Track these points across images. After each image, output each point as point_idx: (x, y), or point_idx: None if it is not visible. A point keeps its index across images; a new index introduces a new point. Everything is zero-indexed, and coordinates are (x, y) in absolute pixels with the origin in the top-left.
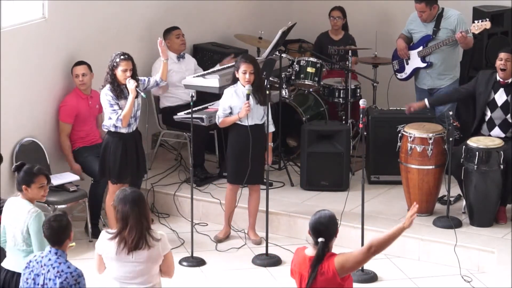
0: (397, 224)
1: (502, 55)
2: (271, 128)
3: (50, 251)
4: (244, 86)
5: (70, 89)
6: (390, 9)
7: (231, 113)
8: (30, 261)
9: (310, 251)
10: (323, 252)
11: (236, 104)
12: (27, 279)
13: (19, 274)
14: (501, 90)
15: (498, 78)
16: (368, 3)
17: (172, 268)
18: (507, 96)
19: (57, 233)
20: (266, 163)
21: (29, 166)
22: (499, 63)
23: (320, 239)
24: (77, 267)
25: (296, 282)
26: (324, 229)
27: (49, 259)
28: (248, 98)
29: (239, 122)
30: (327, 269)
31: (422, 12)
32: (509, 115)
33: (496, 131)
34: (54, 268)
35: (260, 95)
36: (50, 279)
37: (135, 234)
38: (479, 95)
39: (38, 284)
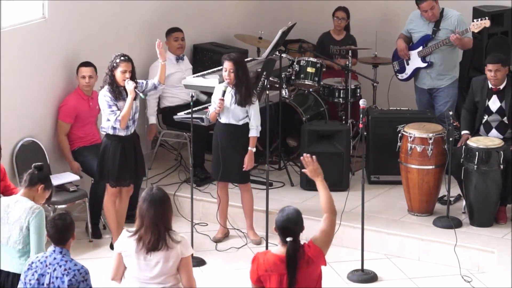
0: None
1: (490, 66)
2: (253, 133)
3: (54, 251)
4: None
5: (71, 89)
6: (390, 9)
7: None
8: (33, 262)
9: (279, 250)
10: (294, 251)
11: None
12: (30, 280)
13: (14, 274)
14: (494, 97)
15: (490, 85)
16: (369, 2)
17: (192, 275)
18: (500, 102)
19: (61, 231)
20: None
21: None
22: (489, 75)
23: (288, 239)
24: (83, 265)
25: (272, 284)
26: (294, 227)
27: (54, 258)
28: (223, 95)
29: (218, 119)
30: (313, 254)
31: (431, 9)
32: (505, 118)
33: (494, 132)
34: (60, 266)
35: (239, 95)
36: (57, 277)
37: (151, 236)
38: (477, 103)
39: (43, 284)
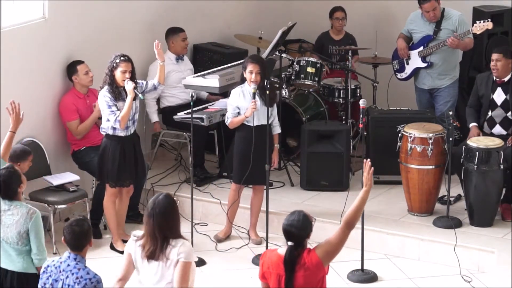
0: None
1: (493, 55)
2: (278, 130)
3: (69, 257)
4: (250, 86)
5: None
6: (390, 9)
7: (239, 113)
8: (48, 266)
9: (283, 251)
10: (290, 256)
11: (243, 104)
12: (44, 283)
13: (13, 272)
14: (499, 89)
15: (494, 78)
16: (368, 2)
17: (186, 281)
18: (505, 94)
19: (78, 237)
20: (271, 164)
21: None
22: (491, 65)
23: (289, 243)
24: (96, 273)
25: (272, 284)
26: (297, 232)
27: (68, 265)
28: (254, 97)
29: (245, 123)
30: (310, 262)
31: (433, 10)
32: (509, 113)
33: (497, 128)
34: (73, 274)
35: (266, 96)
36: (69, 285)
37: (150, 245)
38: (481, 97)
39: None
